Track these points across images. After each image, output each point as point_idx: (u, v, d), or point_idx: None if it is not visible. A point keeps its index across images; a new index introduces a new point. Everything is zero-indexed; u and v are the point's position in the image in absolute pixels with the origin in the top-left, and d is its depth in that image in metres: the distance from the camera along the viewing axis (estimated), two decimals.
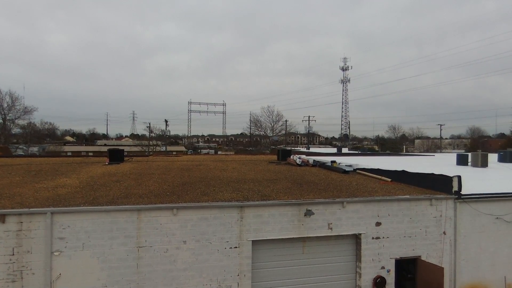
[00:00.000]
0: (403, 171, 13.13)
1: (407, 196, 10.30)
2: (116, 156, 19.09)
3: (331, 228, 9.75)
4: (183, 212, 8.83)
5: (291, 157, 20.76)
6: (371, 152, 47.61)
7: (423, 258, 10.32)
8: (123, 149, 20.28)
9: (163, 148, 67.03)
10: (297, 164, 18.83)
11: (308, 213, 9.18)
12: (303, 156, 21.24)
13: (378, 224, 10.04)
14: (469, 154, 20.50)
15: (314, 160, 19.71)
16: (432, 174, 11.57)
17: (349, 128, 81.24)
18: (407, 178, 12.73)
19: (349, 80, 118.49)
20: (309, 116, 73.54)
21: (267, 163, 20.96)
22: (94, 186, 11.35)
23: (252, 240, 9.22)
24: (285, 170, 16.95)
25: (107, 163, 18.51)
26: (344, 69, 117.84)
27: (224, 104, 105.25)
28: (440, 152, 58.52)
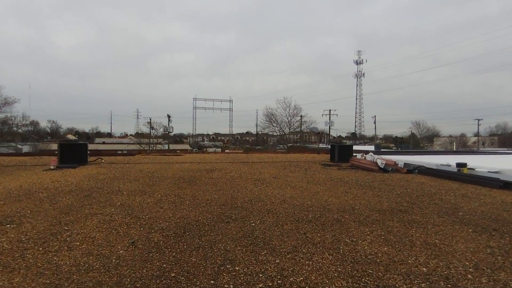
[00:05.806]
0: None
1: None
2: (71, 155, 11.29)
3: None
4: None
5: (359, 156, 12.87)
6: (413, 150, 39.33)
7: None
8: (86, 143, 12.44)
9: (166, 147, 59.18)
10: (380, 168, 10.95)
11: None
12: (385, 156, 13.20)
13: None
14: None
15: (404, 163, 11.78)
16: None
17: (375, 123, 72.63)
18: None
19: (363, 74, 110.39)
20: (329, 110, 64.78)
21: (319, 165, 13.06)
22: None
23: None
24: (376, 181, 9.04)
25: (52, 167, 10.75)
26: (358, 62, 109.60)
27: (230, 101, 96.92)
28: (478, 150, 50.17)
